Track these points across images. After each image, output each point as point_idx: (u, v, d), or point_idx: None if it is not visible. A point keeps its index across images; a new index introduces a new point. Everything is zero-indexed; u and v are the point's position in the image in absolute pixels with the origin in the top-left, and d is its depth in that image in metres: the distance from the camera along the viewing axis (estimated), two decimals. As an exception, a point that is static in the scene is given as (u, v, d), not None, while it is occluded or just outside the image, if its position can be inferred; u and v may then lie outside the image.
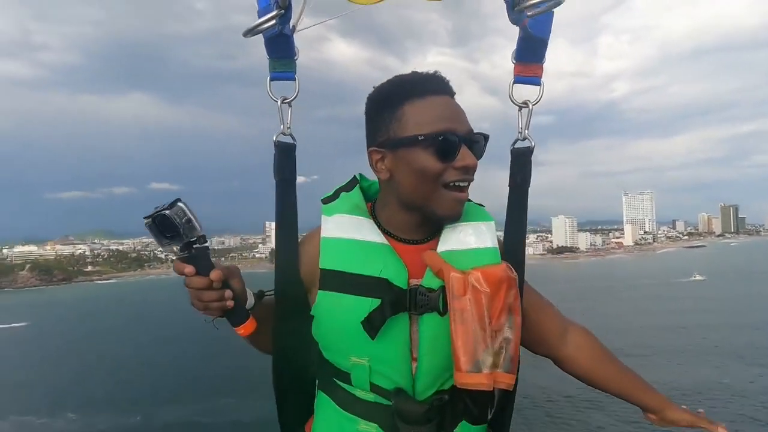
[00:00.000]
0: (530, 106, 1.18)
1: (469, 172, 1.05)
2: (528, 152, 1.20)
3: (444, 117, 1.03)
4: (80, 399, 25.64)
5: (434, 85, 1.06)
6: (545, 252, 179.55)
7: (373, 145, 1.09)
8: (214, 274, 0.97)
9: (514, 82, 1.18)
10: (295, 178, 1.15)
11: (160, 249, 0.99)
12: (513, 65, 1.17)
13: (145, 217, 0.95)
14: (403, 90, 1.06)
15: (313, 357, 1.15)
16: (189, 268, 0.96)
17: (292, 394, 1.20)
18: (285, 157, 1.14)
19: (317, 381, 1.18)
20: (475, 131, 1.07)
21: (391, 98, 1.07)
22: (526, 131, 1.19)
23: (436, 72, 1.09)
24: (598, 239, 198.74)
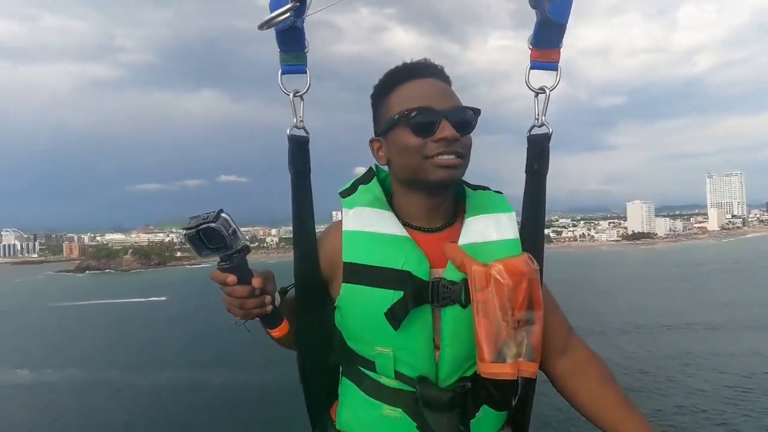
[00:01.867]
0: (547, 91, 1.16)
1: (450, 144, 1.05)
2: (545, 139, 1.19)
3: (422, 96, 1.07)
4: (232, 355, 27.68)
5: (418, 71, 1.13)
6: (619, 238, 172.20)
7: (375, 134, 1.17)
8: (256, 282, 1.00)
9: (531, 68, 1.17)
10: (310, 171, 1.16)
11: (197, 257, 0.99)
12: (530, 50, 1.16)
13: (186, 229, 0.95)
14: (391, 80, 1.14)
15: (335, 345, 1.19)
16: (231, 278, 0.98)
17: (318, 381, 1.23)
18: (299, 150, 1.15)
19: (341, 368, 1.21)
20: (464, 106, 1.09)
21: (382, 90, 1.15)
22: (543, 117, 1.17)
23: (424, 59, 1.15)
24: (679, 224, 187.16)
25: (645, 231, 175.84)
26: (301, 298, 1.15)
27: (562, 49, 1.15)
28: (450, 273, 1.06)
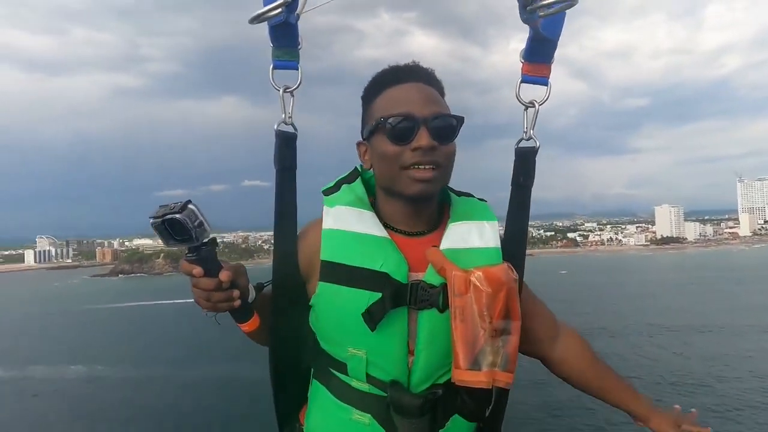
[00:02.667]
0: (537, 106, 1.17)
1: (427, 153, 1.03)
2: (532, 153, 1.19)
3: (402, 102, 1.06)
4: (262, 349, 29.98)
5: (405, 75, 1.11)
6: (648, 243, 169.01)
7: (362, 137, 1.17)
8: (224, 275, 0.97)
9: (522, 82, 1.18)
10: (296, 168, 1.15)
11: (165, 246, 0.96)
12: (521, 64, 1.16)
13: (152, 218, 0.92)
14: (375, 85, 1.14)
15: (308, 346, 1.17)
16: (197, 270, 0.95)
17: (288, 382, 1.22)
18: (286, 146, 1.13)
19: (312, 370, 1.19)
20: (446, 113, 1.08)
21: (369, 93, 1.15)
22: (532, 131, 1.17)
23: (412, 61, 1.14)
24: (709, 229, 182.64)
25: (674, 235, 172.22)
26: (278, 296, 1.13)
27: (553, 65, 1.17)
28: (430, 276, 1.06)
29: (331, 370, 1.12)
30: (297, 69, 1.14)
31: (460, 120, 1.09)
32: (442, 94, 1.16)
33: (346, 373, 1.09)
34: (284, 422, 1.25)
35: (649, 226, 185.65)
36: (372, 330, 1.02)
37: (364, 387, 1.08)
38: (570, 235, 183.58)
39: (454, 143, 1.09)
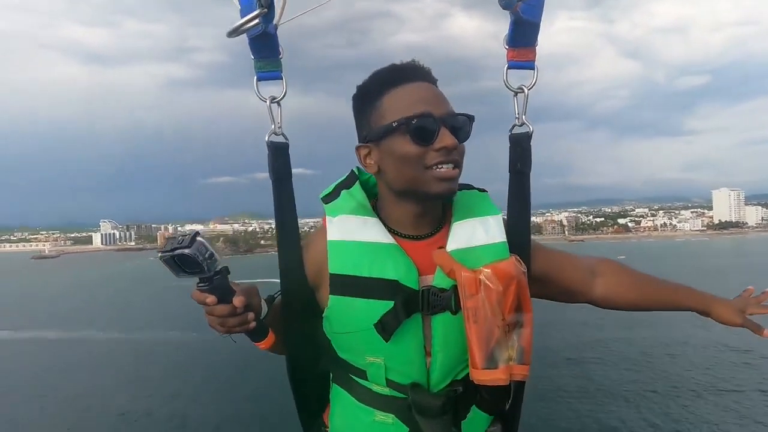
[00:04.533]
0: (526, 90, 1.17)
1: (450, 153, 1.03)
2: (526, 138, 1.19)
3: (419, 101, 1.04)
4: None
5: (409, 73, 1.08)
6: (704, 228, 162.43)
7: (359, 141, 1.12)
8: (237, 301, 0.96)
9: (508, 68, 1.17)
10: (291, 176, 1.14)
11: (174, 278, 0.97)
12: (506, 50, 1.17)
13: (161, 252, 0.93)
14: (380, 82, 1.09)
15: (324, 351, 1.17)
16: (211, 299, 0.95)
17: (308, 387, 1.23)
18: (278, 156, 1.13)
19: (332, 375, 1.20)
20: (459, 112, 1.07)
21: (370, 93, 1.09)
22: (524, 116, 1.18)
23: (412, 60, 1.11)
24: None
25: (733, 220, 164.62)
26: (288, 306, 1.13)
27: (537, 48, 1.16)
28: (439, 280, 1.06)
29: (351, 376, 1.13)
30: (281, 79, 1.15)
31: (472, 118, 1.09)
32: None
33: (365, 378, 1.10)
34: (308, 424, 1.28)
35: (706, 211, 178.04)
36: (386, 341, 1.03)
37: (385, 391, 1.09)
38: (620, 221, 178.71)
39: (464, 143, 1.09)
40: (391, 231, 1.12)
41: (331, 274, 1.07)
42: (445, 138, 1.03)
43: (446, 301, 1.05)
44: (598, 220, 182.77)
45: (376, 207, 1.17)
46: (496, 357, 1.00)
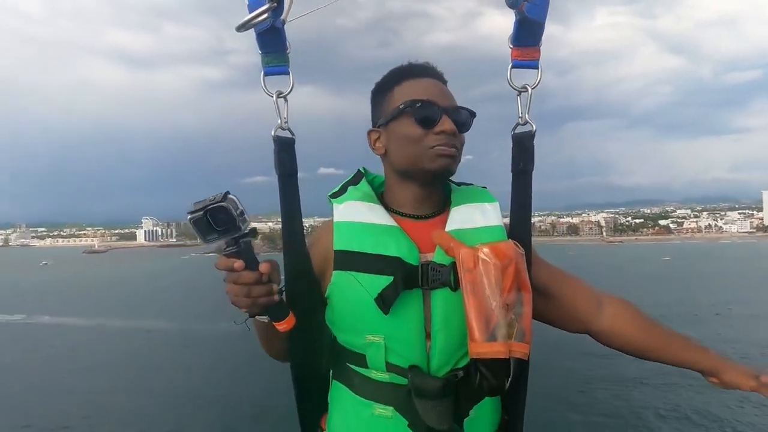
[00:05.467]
0: (529, 90, 1.19)
1: (449, 138, 1.09)
2: (530, 137, 1.21)
3: (426, 91, 1.12)
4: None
5: (421, 71, 1.16)
6: (753, 230, 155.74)
7: (374, 126, 1.19)
8: (264, 267, 0.96)
9: (512, 67, 1.19)
10: (297, 172, 1.16)
11: (201, 243, 0.94)
12: (510, 49, 1.18)
13: (192, 212, 0.91)
14: (396, 76, 1.17)
15: (326, 351, 1.17)
16: (239, 263, 0.93)
17: (311, 390, 1.23)
18: (284, 151, 1.15)
19: (332, 371, 1.20)
20: (461, 107, 1.14)
21: (385, 85, 1.18)
22: (527, 115, 1.20)
23: (426, 62, 1.19)
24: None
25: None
26: (293, 302, 1.10)
27: (542, 47, 1.18)
28: (439, 257, 1.08)
29: (350, 366, 1.12)
30: (288, 74, 1.17)
31: (473, 114, 1.16)
32: None
33: (365, 365, 1.09)
34: (307, 430, 1.27)
35: (755, 212, 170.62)
36: (385, 313, 1.03)
37: (385, 377, 1.08)
38: (661, 222, 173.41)
39: (464, 135, 1.15)
40: (394, 212, 1.16)
41: (335, 250, 1.09)
42: (446, 123, 1.09)
43: (445, 275, 1.05)
44: (637, 221, 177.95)
45: (381, 197, 1.20)
46: (496, 332, 0.99)
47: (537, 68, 1.20)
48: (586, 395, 15.89)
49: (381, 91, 1.20)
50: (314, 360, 1.18)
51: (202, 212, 0.91)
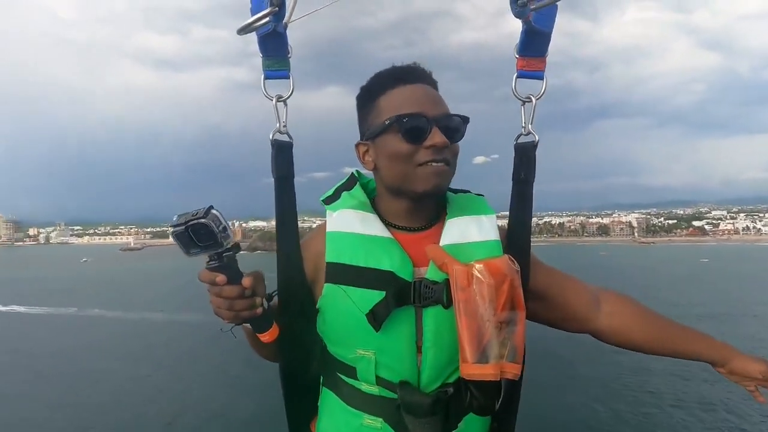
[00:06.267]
0: (533, 100, 1.18)
1: (440, 152, 1.05)
2: (532, 147, 1.20)
3: (413, 101, 1.07)
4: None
5: (408, 75, 1.11)
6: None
7: (361, 138, 1.16)
8: (246, 281, 0.96)
9: (518, 77, 1.18)
10: (293, 176, 1.15)
11: (185, 256, 0.94)
12: (516, 59, 1.17)
13: (173, 226, 0.91)
14: (380, 84, 1.12)
15: (317, 354, 1.17)
16: (221, 277, 0.94)
17: (300, 394, 1.22)
18: (282, 155, 1.14)
19: (322, 378, 1.20)
20: (453, 113, 1.09)
21: (370, 93, 1.13)
22: (530, 126, 1.19)
23: (414, 63, 1.15)
24: None
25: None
26: (285, 305, 1.12)
27: (548, 57, 1.18)
28: (432, 273, 1.06)
29: (340, 375, 1.12)
30: (288, 78, 1.16)
31: (466, 120, 1.11)
32: None
33: (355, 377, 1.09)
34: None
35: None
36: (376, 330, 1.02)
37: (374, 390, 1.08)
38: (695, 223, 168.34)
39: (458, 144, 1.11)
40: (388, 224, 1.14)
41: (327, 262, 1.08)
42: (436, 136, 1.05)
43: (438, 293, 1.04)
44: (670, 222, 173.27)
45: (374, 204, 1.18)
46: (488, 353, 0.98)
47: (542, 79, 1.20)
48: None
49: (366, 100, 1.16)
50: (304, 363, 1.18)
51: (183, 227, 0.91)
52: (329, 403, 1.17)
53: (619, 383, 16.96)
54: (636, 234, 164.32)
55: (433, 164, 1.06)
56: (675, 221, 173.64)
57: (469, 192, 1.25)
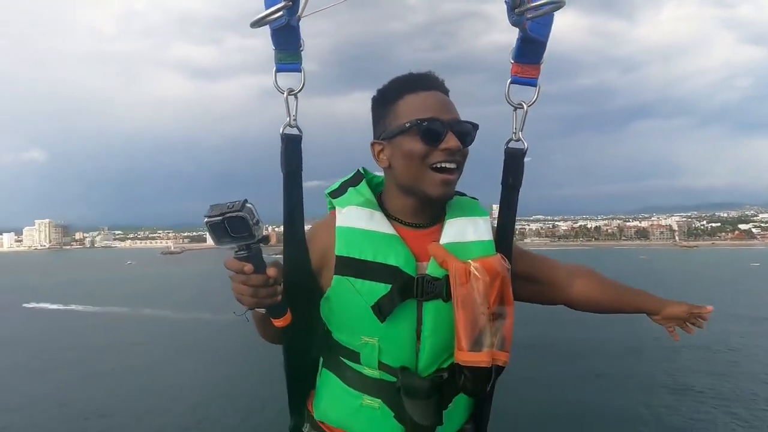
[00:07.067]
0: (525, 107, 1.23)
1: (453, 154, 1.14)
2: (521, 153, 1.26)
3: (430, 107, 1.14)
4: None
5: (426, 83, 1.18)
6: None
7: (374, 139, 1.23)
8: (271, 271, 1.01)
9: (511, 82, 1.22)
10: (302, 170, 1.18)
11: (215, 245, 0.97)
12: (510, 65, 1.20)
13: (210, 215, 0.94)
14: (398, 88, 1.19)
15: (319, 338, 1.24)
16: (248, 267, 0.99)
17: (302, 373, 1.29)
18: (291, 149, 1.17)
19: (322, 360, 1.26)
20: (464, 120, 1.16)
21: (388, 96, 1.20)
22: (520, 132, 1.23)
23: (429, 71, 1.21)
24: None
25: None
26: (291, 294, 1.15)
27: (542, 65, 1.20)
28: (433, 269, 1.15)
29: (343, 359, 1.19)
30: (300, 71, 1.18)
31: (476, 126, 1.18)
32: None
33: (358, 361, 1.17)
34: (295, 410, 1.34)
35: None
36: (381, 322, 1.11)
37: (375, 374, 1.16)
38: (741, 226, 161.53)
39: (467, 148, 1.18)
40: (393, 219, 1.21)
41: (337, 256, 1.15)
42: (451, 140, 1.13)
43: (439, 288, 1.13)
44: (714, 225, 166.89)
45: (380, 200, 1.25)
46: (481, 341, 1.08)
47: (535, 86, 1.24)
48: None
49: (383, 103, 1.22)
50: (306, 346, 1.26)
51: (220, 218, 0.94)
52: (330, 383, 1.23)
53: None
54: (677, 237, 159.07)
55: (447, 168, 1.15)
56: (719, 224, 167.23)
57: (465, 195, 1.33)
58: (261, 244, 1.01)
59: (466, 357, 1.09)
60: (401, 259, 1.14)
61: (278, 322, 1.12)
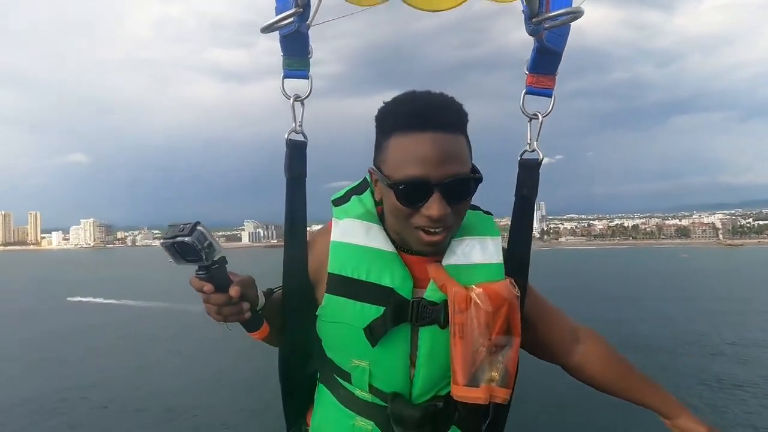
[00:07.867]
0: (540, 118, 1.18)
1: (436, 220, 1.01)
2: (536, 164, 1.20)
3: (419, 160, 0.99)
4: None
5: (422, 120, 1.00)
6: None
7: (374, 162, 1.11)
8: (233, 291, 0.99)
9: (526, 93, 1.19)
10: (306, 176, 1.17)
11: (175, 264, 0.97)
12: (525, 75, 1.19)
13: (162, 239, 0.95)
14: (393, 121, 1.04)
15: (315, 350, 1.19)
16: (207, 287, 0.98)
17: (297, 385, 1.25)
18: (296, 154, 1.15)
19: (319, 374, 1.23)
20: (462, 175, 1.01)
21: (384, 125, 1.06)
22: (536, 143, 1.19)
23: (439, 95, 1.05)
24: None
25: None
26: (288, 301, 1.15)
27: (557, 76, 1.17)
28: (431, 293, 1.07)
29: (336, 377, 1.16)
30: (307, 78, 1.17)
31: (478, 180, 1.05)
32: (464, 129, 1.06)
33: (350, 381, 1.13)
34: (292, 422, 1.30)
35: None
36: (372, 346, 1.05)
37: (367, 397, 1.11)
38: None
39: (466, 200, 1.06)
40: (393, 242, 1.13)
41: (329, 273, 1.09)
42: (433, 207, 1.00)
43: (436, 314, 1.06)
44: (760, 222, 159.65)
45: (383, 214, 1.15)
46: (479, 376, 1.00)
47: (550, 97, 1.20)
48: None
49: (381, 130, 1.08)
50: (302, 357, 1.21)
51: (171, 241, 0.94)
52: (324, 399, 1.20)
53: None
54: (721, 236, 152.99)
55: (429, 230, 1.03)
56: (766, 222, 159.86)
57: (479, 209, 1.22)
58: (219, 266, 1.00)
59: (461, 392, 1.02)
60: (397, 280, 1.08)
61: (254, 335, 1.12)
